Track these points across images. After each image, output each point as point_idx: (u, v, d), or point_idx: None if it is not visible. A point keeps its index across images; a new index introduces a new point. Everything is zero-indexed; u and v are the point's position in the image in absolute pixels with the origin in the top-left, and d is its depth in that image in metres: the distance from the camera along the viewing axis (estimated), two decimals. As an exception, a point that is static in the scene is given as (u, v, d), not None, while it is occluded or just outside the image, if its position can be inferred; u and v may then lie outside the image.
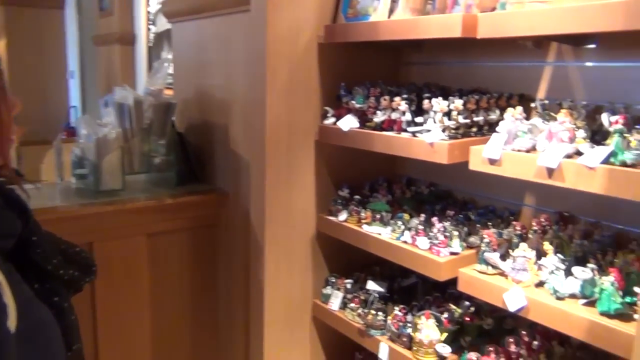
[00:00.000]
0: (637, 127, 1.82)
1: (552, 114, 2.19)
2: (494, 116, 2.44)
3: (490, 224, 2.56)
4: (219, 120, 3.25)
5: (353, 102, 2.75)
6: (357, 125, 2.70)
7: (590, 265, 1.94)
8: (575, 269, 1.93)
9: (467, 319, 2.61)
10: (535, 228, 2.34)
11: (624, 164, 1.73)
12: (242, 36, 2.94)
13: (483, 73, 2.75)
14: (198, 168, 3.41)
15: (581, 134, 1.95)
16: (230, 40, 3.08)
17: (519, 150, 2.01)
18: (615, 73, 2.23)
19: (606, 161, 1.76)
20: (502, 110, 2.45)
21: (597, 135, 2.07)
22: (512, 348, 2.37)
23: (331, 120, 2.86)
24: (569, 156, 1.88)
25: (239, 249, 3.14)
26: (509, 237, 2.39)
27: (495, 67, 2.70)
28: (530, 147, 2.01)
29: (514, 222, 2.35)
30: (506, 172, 2.02)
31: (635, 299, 1.85)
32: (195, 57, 3.44)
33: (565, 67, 2.41)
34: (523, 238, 2.32)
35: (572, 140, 1.88)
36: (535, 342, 2.29)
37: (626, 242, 2.18)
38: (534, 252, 2.10)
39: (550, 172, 1.87)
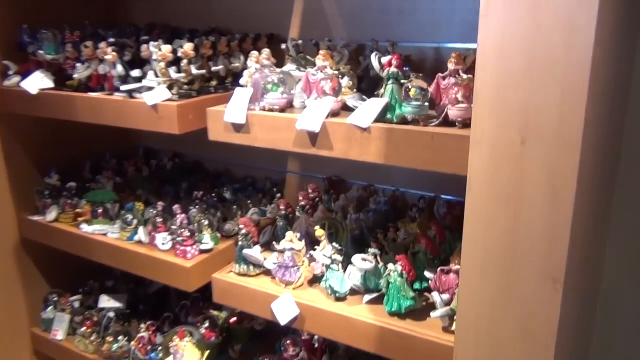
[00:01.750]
0: (407, 69, 1.41)
1: (309, 57, 1.68)
2: (237, 64, 1.85)
3: (249, 202, 2.02)
4: None
5: (41, 52, 1.90)
6: (51, 85, 1.88)
7: (372, 250, 1.51)
8: (356, 259, 1.49)
9: (234, 321, 2.08)
10: (303, 203, 1.87)
11: (403, 121, 1.29)
12: None
13: (225, 9, 2.13)
14: None
15: (346, 82, 1.47)
16: None
17: (270, 110, 1.46)
18: (375, 3, 1.81)
19: (381, 118, 1.30)
20: (248, 55, 1.87)
21: (364, 83, 1.62)
22: (291, 351, 1.91)
23: (14, 79, 1.97)
24: (334, 114, 1.39)
25: None
26: (272, 217, 1.89)
27: (239, 1, 2.10)
28: (285, 105, 1.47)
29: (279, 201, 1.83)
30: (257, 142, 1.46)
31: (426, 284, 1.49)
32: None
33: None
34: (289, 219, 1.83)
35: (336, 91, 1.38)
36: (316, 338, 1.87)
37: (405, 208, 1.84)
38: (302, 242, 1.60)
39: (314, 138, 1.36)
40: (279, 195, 2.11)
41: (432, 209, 1.80)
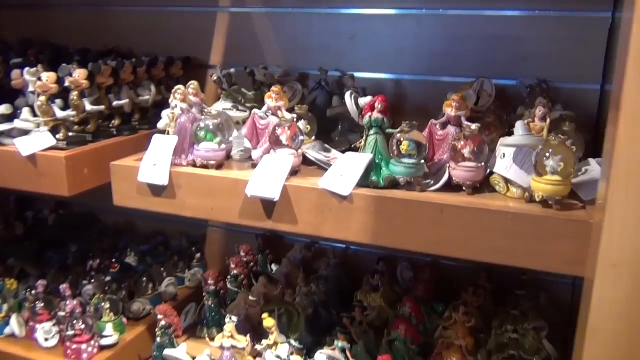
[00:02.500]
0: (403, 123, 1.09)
1: (245, 91, 1.31)
2: (147, 96, 1.43)
3: (162, 269, 1.59)
4: None
5: None
6: None
7: (339, 344, 1.17)
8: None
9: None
10: (236, 272, 1.48)
11: (392, 184, 0.97)
12: None
13: (124, 24, 1.69)
14: None
15: (303, 127, 1.11)
16: None
17: (204, 166, 1.07)
18: (320, 24, 1.48)
19: (363, 181, 0.96)
20: (159, 83, 1.46)
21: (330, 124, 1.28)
22: None
23: None
24: (294, 172, 1.03)
25: None
26: (193, 286, 1.47)
27: (143, 14, 1.67)
28: (223, 158, 1.08)
29: (207, 273, 1.42)
30: (185, 210, 1.07)
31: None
32: None
33: (247, 13, 1.55)
34: (220, 296, 1.43)
35: (295, 141, 1.03)
36: None
37: (360, 270, 1.52)
38: (247, 338, 1.21)
39: (270, 208, 0.99)
40: (199, 255, 1.71)
41: (395, 273, 1.49)
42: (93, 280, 1.47)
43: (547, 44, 1.28)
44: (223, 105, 1.21)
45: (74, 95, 1.22)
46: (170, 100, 1.08)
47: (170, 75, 1.54)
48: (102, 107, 1.29)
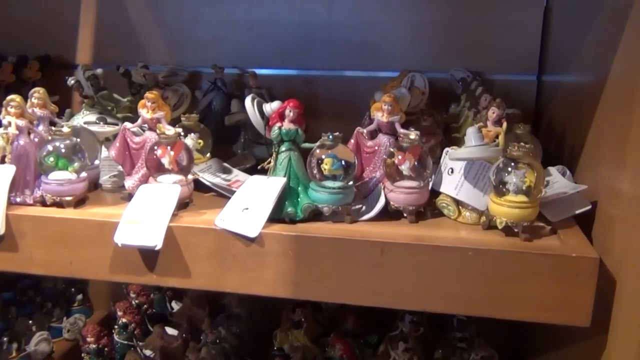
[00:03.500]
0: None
1: (118, 96, 1.03)
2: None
3: (31, 322, 1.27)
4: None
5: None
6: None
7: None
8: None
9: None
10: (125, 320, 1.19)
11: (313, 215, 0.74)
12: None
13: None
14: None
15: (192, 142, 0.85)
16: None
17: (56, 205, 0.78)
18: (212, 11, 1.22)
19: (277, 213, 0.72)
20: (7, 90, 1.14)
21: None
22: None
23: None
24: (183, 204, 0.77)
25: None
26: (72, 338, 1.17)
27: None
28: (83, 191, 0.80)
29: (85, 330, 1.12)
30: (33, 267, 0.78)
31: None
32: None
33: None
34: (104, 354, 1.14)
35: (182, 166, 0.77)
36: None
37: (278, 305, 1.28)
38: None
39: (152, 258, 0.73)
40: (80, 297, 1.40)
41: (319, 305, 1.27)
42: None
43: (477, 31, 1.11)
44: (86, 118, 0.92)
45: None
46: (1, 116, 0.78)
47: (23, 80, 1.21)
48: None
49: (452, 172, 0.74)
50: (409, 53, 1.13)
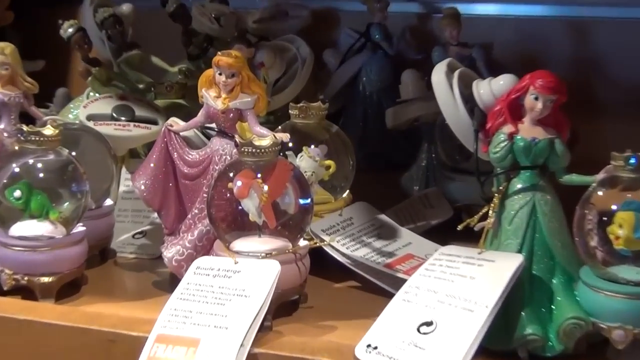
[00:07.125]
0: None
1: (160, 62, 0.61)
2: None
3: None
4: None
5: None
6: None
7: None
8: None
9: None
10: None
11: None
12: None
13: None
14: None
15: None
16: None
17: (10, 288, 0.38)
18: None
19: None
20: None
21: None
22: None
23: None
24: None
25: None
26: None
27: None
28: (64, 262, 0.40)
29: None
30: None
31: None
32: None
33: None
34: None
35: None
36: None
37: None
38: None
39: None
40: None
41: None
42: None
43: None
44: (93, 107, 0.49)
45: None
46: None
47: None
48: None
49: None
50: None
